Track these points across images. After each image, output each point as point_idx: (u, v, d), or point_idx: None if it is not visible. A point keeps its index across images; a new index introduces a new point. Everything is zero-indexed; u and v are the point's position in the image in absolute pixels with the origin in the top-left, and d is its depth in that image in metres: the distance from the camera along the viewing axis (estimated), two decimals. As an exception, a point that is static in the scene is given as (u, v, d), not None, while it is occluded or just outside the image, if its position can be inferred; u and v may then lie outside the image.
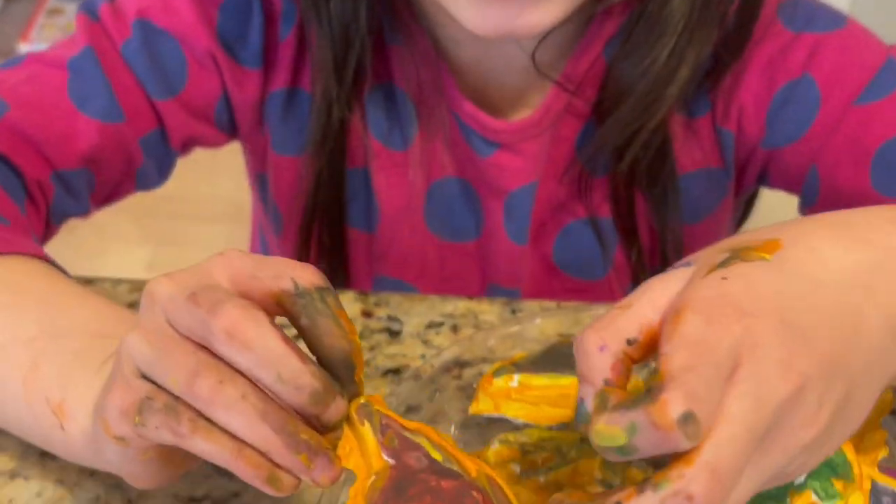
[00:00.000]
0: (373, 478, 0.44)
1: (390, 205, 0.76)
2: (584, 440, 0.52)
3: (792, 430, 0.40)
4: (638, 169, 0.70)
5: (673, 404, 0.37)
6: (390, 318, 0.66)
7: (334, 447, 0.44)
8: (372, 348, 0.64)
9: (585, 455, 0.50)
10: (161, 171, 0.76)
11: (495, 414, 0.55)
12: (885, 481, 0.50)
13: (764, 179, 0.74)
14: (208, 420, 0.42)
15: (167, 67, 0.71)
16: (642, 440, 0.38)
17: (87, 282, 0.69)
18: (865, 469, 0.50)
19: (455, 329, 0.65)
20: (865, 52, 0.68)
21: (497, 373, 0.56)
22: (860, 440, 0.52)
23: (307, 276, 0.44)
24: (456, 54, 0.70)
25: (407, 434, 0.45)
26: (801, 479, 0.48)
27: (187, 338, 0.43)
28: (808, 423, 0.40)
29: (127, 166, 0.72)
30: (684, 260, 0.45)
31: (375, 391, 0.61)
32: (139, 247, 1.98)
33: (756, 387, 0.39)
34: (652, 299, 0.42)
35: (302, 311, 0.44)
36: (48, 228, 0.69)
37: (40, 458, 0.57)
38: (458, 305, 0.67)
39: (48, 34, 2.32)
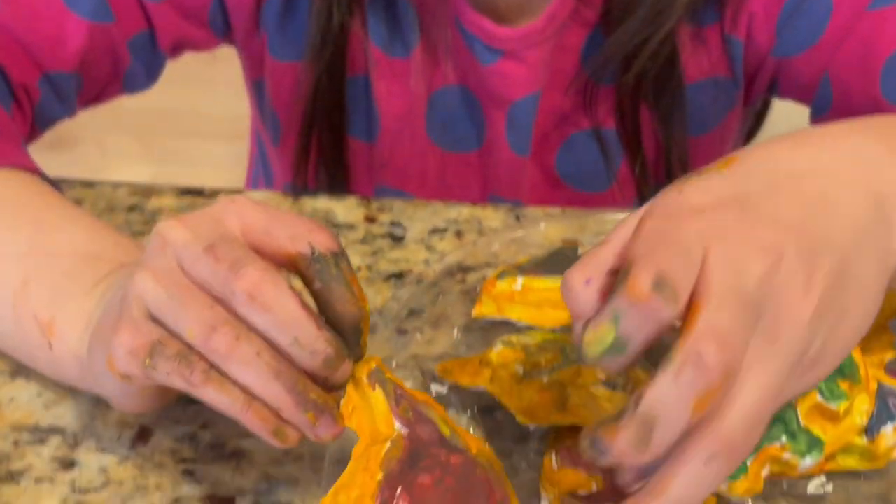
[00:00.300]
0: (388, 445, 0.45)
1: (391, 114, 0.74)
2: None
3: (788, 307, 0.39)
4: (644, 79, 0.69)
5: (643, 276, 0.37)
6: (393, 224, 0.65)
7: (337, 405, 0.45)
8: (374, 253, 0.63)
9: None
10: (149, 74, 0.75)
11: (498, 317, 0.55)
12: (891, 383, 0.50)
13: (774, 89, 0.72)
14: (220, 372, 0.44)
15: None
16: (628, 325, 0.38)
17: (88, 185, 0.68)
18: (872, 371, 0.50)
19: (459, 235, 0.65)
20: None
21: (500, 276, 0.56)
22: (867, 342, 0.51)
23: (324, 240, 0.45)
24: None
25: (420, 407, 0.47)
26: None
27: (202, 288, 0.44)
28: (800, 295, 0.40)
29: (114, 68, 0.71)
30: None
31: (378, 295, 0.60)
32: (141, 164, 1.97)
33: (732, 262, 0.39)
34: (628, 230, 0.42)
35: (317, 275, 0.45)
36: (33, 132, 0.68)
37: (41, 358, 0.57)
38: (461, 211, 0.66)
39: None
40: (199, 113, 1.99)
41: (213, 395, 0.44)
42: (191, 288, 0.44)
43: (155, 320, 0.45)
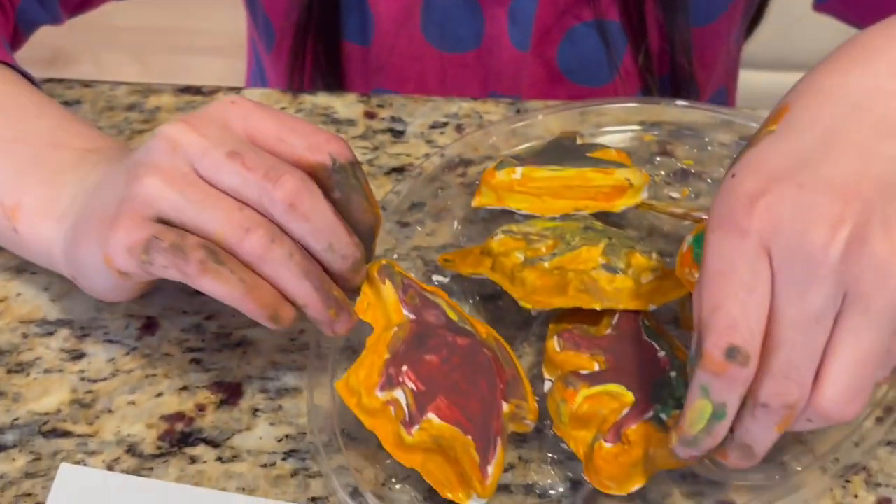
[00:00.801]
0: (395, 329, 0.47)
1: (386, 16, 0.73)
2: (588, 227, 0.52)
3: (871, 270, 0.39)
4: None
5: (713, 349, 0.39)
6: (394, 119, 0.65)
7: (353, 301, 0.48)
8: (375, 148, 0.63)
9: (589, 242, 0.50)
10: None
11: (498, 206, 0.55)
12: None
13: None
14: (221, 263, 0.44)
15: None
16: (719, 392, 0.40)
17: (87, 85, 0.68)
18: None
19: (459, 129, 0.64)
20: None
21: (499, 166, 0.55)
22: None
23: (341, 150, 0.47)
24: None
25: (427, 294, 0.49)
26: None
27: (226, 193, 0.45)
28: (882, 251, 0.39)
29: None
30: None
31: (380, 189, 0.60)
32: (139, 81, 1.96)
33: (792, 270, 0.39)
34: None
35: (336, 185, 0.47)
36: (16, 35, 0.67)
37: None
38: (461, 106, 0.66)
39: None
40: (195, 29, 1.97)
41: (211, 285, 0.45)
42: (213, 192, 0.45)
43: (163, 222, 0.45)
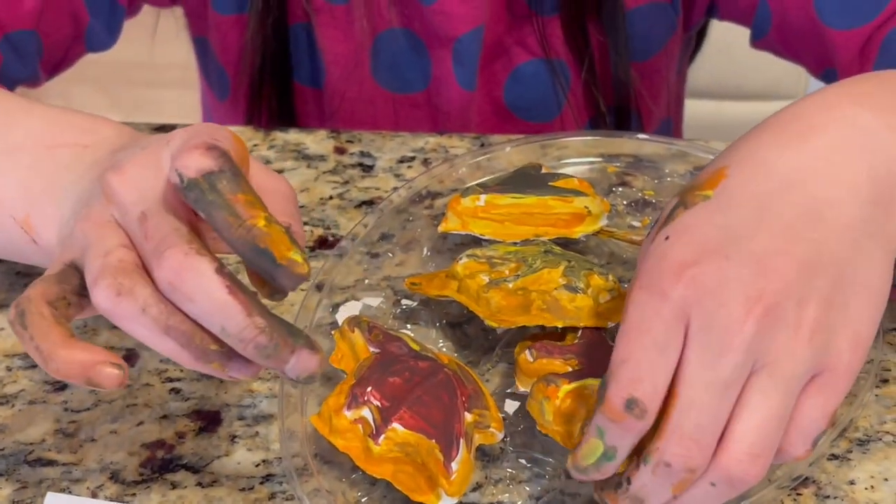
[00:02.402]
0: (360, 362, 0.50)
1: (336, 60, 0.76)
2: (548, 251, 0.55)
3: (783, 344, 0.41)
4: (586, 2, 0.71)
5: (614, 398, 0.41)
6: (363, 154, 0.68)
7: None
8: (346, 182, 0.66)
9: (549, 265, 0.53)
10: (110, 31, 0.75)
11: (462, 231, 0.58)
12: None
13: (713, 13, 0.75)
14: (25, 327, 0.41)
15: None
16: (612, 437, 0.42)
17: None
18: None
19: (426, 163, 0.67)
20: None
21: (465, 193, 0.58)
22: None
23: (193, 161, 0.40)
24: None
25: (390, 331, 0.51)
26: None
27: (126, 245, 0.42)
28: (792, 330, 0.41)
29: (75, 27, 0.71)
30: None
31: (350, 222, 0.63)
32: (109, 114, 1.97)
33: (708, 338, 0.41)
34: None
35: (196, 205, 0.40)
36: None
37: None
38: (428, 141, 0.69)
39: None
40: (163, 63, 1.99)
41: (28, 344, 0.41)
42: (104, 242, 0.42)
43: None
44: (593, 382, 0.47)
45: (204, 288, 0.39)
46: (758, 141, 0.45)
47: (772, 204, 0.43)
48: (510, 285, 0.52)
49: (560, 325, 0.51)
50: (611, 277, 0.53)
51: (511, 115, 0.77)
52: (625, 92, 0.74)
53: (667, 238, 0.43)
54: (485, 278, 0.53)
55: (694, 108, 0.95)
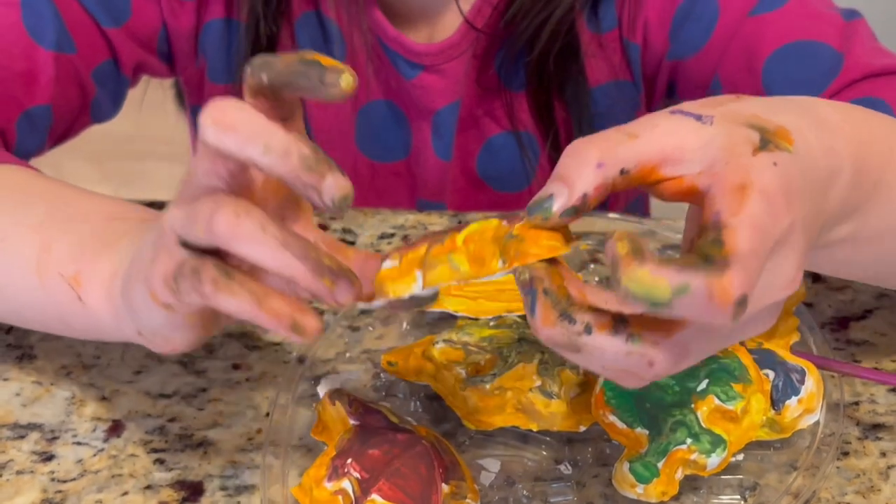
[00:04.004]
0: (341, 434, 0.52)
1: (321, 129, 0.79)
2: (522, 340, 0.57)
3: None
4: (552, 81, 0.74)
5: (737, 282, 0.37)
6: (345, 231, 0.70)
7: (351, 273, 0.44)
8: (328, 258, 0.68)
9: (524, 359, 0.55)
10: (115, 101, 0.78)
11: (439, 309, 0.60)
12: (795, 361, 0.55)
13: (673, 91, 0.78)
14: (231, 279, 0.43)
15: None
16: (686, 303, 0.37)
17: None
18: (781, 351, 0.55)
19: (406, 239, 0.69)
20: None
21: (440, 272, 0.60)
22: (775, 328, 0.57)
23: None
24: None
25: (370, 404, 0.53)
26: (703, 385, 0.52)
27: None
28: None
29: (82, 99, 0.74)
30: (687, 108, 0.43)
31: (331, 296, 0.65)
32: (99, 187, 1.99)
33: (763, 281, 0.40)
34: (659, 138, 0.42)
35: (260, 71, 0.44)
36: None
37: (17, 360, 0.61)
38: (408, 218, 0.71)
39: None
40: (154, 137, 2.02)
41: (227, 301, 0.43)
42: (200, 193, 0.44)
43: (185, 245, 0.44)
44: (477, 227, 0.45)
45: (245, 114, 0.42)
46: (803, 119, 0.45)
47: (824, 183, 0.44)
48: (487, 386, 0.54)
49: (535, 429, 0.54)
50: (581, 370, 0.55)
51: (484, 184, 0.80)
52: None
53: (775, 164, 0.41)
54: (461, 372, 0.55)
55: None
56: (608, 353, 0.40)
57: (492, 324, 0.58)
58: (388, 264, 0.45)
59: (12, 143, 0.70)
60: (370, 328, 0.62)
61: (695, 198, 0.42)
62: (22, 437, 0.57)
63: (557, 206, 0.41)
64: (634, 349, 0.39)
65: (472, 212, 0.73)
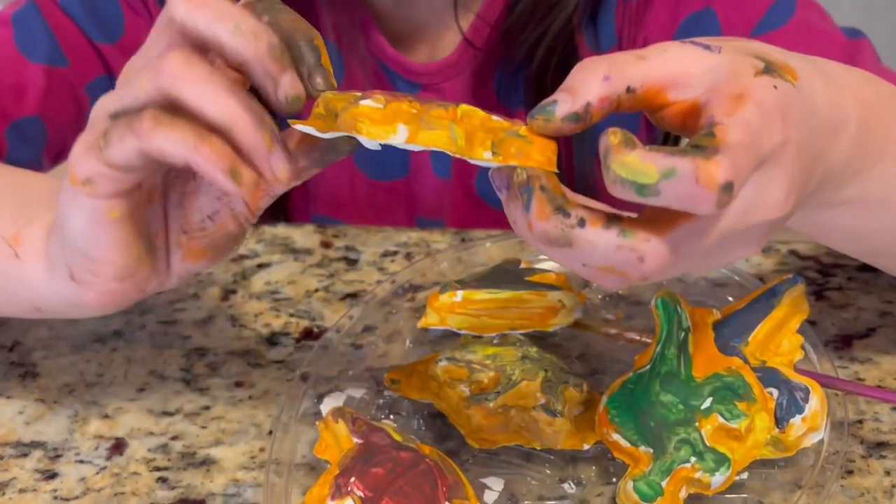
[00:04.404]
0: (344, 452, 0.52)
1: None
2: (525, 358, 0.56)
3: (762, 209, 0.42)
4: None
5: (724, 168, 0.38)
6: (348, 248, 0.70)
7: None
8: (331, 276, 0.68)
9: (527, 377, 0.55)
10: None
11: (441, 327, 0.60)
12: (799, 379, 0.55)
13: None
14: (173, 116, 0.43)
15: (103, 15, 0.73)
16: (672, 187, 0.38)
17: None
18: (785, 369, 0.55)
19: (409, 257, 0.70)
20: None
21: (442, 289, 0.61)
22: (778, 345, 0.57)
23: None
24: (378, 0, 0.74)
25: (373, 422, 0.53)
26: (707, 403, 0.52)
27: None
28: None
29: (77, 115, 0.74)
30: (697, 40, 0.44)
31: (335, 314, 0.65)
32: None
33: (752, 195, 0.41)
34: (667, 62, 0.43)
35: (263, 12, 0.46)
36: None
37: (21, 378, 0.61)
38: (411, 236, 0.71)
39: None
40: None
41: (163, 140, 0.43)
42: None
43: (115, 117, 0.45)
44: (467, 109, 0.45)
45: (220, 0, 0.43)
46: (810, 73, 0.46)
47: (826, 128, 0.45)
48: (491, 405, 0.54)
49: (538, 448, 0.54)
50: (585, 388, 0.55)
51: (483, 203, 0.80)
52: (586, 184, 0.77)
53: (775, 87, 0.42)
54: (465, 390, 0.55)
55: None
56: (599, 246, 0.40)
57: (495, 341, 0.58)
58: (368, 103, 0.44)
59: (3, 155, 0.71)
60: (373, 346, 0.62)
61: (694, 118, 0.43)
62: (25, 455, 0.57)
63: (561, 110, 0.42)
64: (625, 243, 0.40)
65: (472, 229, 0.73)
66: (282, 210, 0.82)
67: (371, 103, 0.44)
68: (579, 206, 0.41)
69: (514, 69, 0.74)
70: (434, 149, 0.44)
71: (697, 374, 0.53)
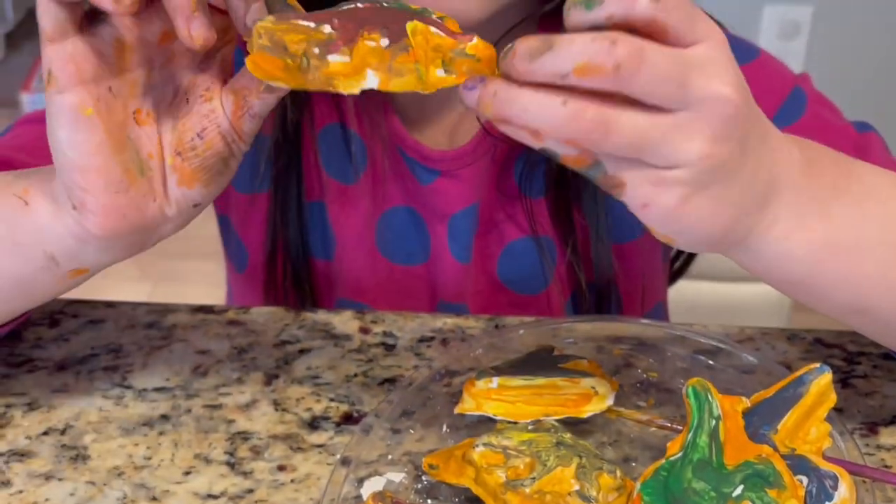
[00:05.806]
0: None
1: (345, 234, 0.82)
2: (560, 444, 0.58)
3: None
4: (571, 189, 0.77)
5: None
6: (385, 334, 0.73)
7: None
8: (370, 360, 0.70)
9: (562, 463, 0.56)
10: None
11: (478, 412, 0.62)
12: (828, 467, 0.56)
13: None
14: None
15: None
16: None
17: (110, 305, 0.75)
18: (813, 457, 0.56)
19: (444, 342, 0.72)
20: (776, 82, 0.75)
21: (479, 376, 0.63)
22: (807, 433, 0.58)
23: None
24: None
25: None
26: (739, 491, 0.53)
27: None
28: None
29: None
30: None
31: (374, 399, 0.67)
32: (139, 283, 2.04)
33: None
34: None
35: None
36: None
37: (72, 461, 0.63)
38: (446, 322, 0.74)
39: (46, 81, 2.37)
40: (191, 235, 2.07)
41: None
42: None
43: None
44: (411, 27, 0.48)
45: None
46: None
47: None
48: (527, 490, 0.55)
49: None
50: (618, 474, 0.56)
51: (504, 287, 0.83)
52: (603, 271, 0.79)
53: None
54: (501, 475, 0.56)
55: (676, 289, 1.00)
56: (576, 40, 0.44)
57: (530, 427, 0.60)
58: (336, 59, 0.47)
59: None
60: (411, 430, 0.64)
61: None
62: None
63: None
64: (599, 35, 0.43)
65: (497, 315, 0.75)
66: (308, 294, 0.84)
67: (339, 58, 0.48)
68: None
69: (536, 161, 0.77)
70: (405, 91, 0.48)
71: (729, 461, 0.55)
